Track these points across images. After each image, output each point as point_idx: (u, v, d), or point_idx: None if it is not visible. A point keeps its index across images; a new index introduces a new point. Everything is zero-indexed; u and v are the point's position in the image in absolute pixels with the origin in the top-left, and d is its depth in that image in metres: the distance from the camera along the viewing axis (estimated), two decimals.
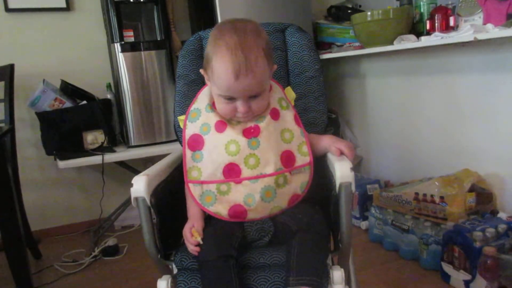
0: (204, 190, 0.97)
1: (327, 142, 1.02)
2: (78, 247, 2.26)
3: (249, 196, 0.95)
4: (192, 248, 0.93)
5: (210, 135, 0.98)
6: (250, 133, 0.97)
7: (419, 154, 2.16)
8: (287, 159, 0.97)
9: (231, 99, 0.93)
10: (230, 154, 0.95)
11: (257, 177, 0.94)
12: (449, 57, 1.90)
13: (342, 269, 0.91)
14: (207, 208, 0.97)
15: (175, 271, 0.99)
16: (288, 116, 1.02)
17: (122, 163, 2.35)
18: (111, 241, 2.17)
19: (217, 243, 0.92)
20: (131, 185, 0.90)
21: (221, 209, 0.96)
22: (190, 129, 1.01)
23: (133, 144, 2.30)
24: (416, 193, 1.79)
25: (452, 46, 1.81)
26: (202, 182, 0.97)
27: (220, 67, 0.90)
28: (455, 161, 1.91)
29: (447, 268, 1.61)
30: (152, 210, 0.92)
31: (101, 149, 2.22)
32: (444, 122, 1.99)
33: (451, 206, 1.68)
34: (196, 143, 0.99)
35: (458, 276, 1.56)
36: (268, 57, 0.93)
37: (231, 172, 0.95)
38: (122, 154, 2.24)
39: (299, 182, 0.98)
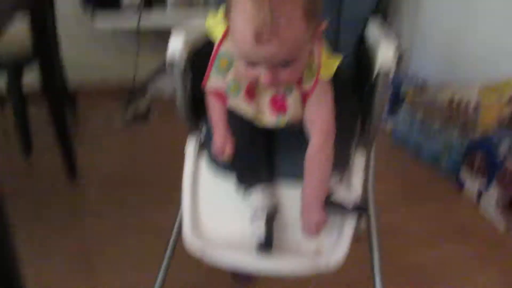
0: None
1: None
2: (110, 110, 2.33)
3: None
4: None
5: (237, 100, 0.83)
6: (278, 107, 0.82)
7: (467, 56, 1.98)
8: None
9: (253, 64, 0.70)
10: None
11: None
12: None
13: (364, 155, 0.93)
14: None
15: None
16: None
17: (157, 29, 2.32)
18: (142, 106, 2.24)
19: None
20: (167, 47, 0.89)
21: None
22: (214, 81, 0.84)
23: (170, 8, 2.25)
24: (451, 99, 1.74)
25: None
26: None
27: (238, 24, 0.67)
28: (504, 68, 1.75)
29: (464, 175, 1.64)
30: (186, 73, 0.92)
31: (138, 9, 2.19)
32: (507, 21, 1.77)
33: (483, 116, 1.64)
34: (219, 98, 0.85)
35: (473, 185, 1.60)
36: (309, 17, 0.66)
37: None
38: (158, 17, 2.24)
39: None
